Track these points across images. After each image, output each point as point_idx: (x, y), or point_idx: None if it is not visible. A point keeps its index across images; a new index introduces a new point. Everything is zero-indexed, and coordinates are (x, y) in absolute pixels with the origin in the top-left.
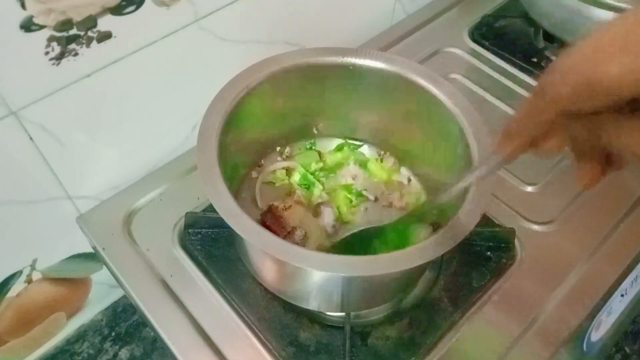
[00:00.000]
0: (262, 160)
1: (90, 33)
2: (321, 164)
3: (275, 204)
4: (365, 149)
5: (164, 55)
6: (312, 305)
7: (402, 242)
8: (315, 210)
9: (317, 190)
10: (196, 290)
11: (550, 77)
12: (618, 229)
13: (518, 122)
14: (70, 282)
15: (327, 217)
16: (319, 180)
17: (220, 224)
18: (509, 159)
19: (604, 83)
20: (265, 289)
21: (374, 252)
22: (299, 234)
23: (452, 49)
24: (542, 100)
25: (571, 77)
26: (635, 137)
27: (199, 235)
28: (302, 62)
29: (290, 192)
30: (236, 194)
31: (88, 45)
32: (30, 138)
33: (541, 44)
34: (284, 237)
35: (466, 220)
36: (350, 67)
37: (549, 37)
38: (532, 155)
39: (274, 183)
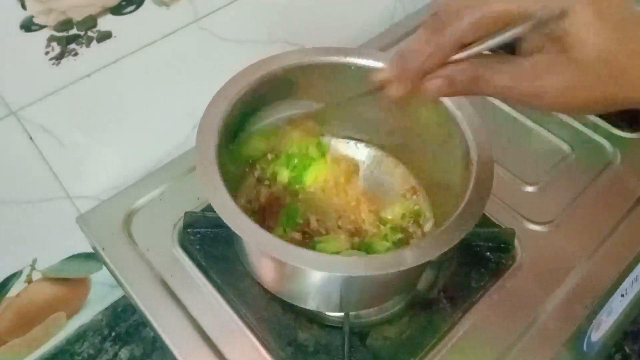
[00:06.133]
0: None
1: (90, 33)
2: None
3: None
4: (365, 150)
5: (164, 55)
6: (311, 305)
7: None
8: None
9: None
10: (196, 290)
11: (446, 14)
12: (618, 229)
13: (411, 57)
14: (70, 282)
15: None
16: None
17: (219, 224)
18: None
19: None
20: (264, 288)
21: None
22: None
23: None
24: (441, 35)
25: (469, 11)
26: (506, 80)
27: (198, 235)
28: (302, 61)
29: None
30: (235, 193)
31: (88, 45)
32: (30, 138)
33: None
34: None
35: (465, 220)
36: (352, 67)
37: None
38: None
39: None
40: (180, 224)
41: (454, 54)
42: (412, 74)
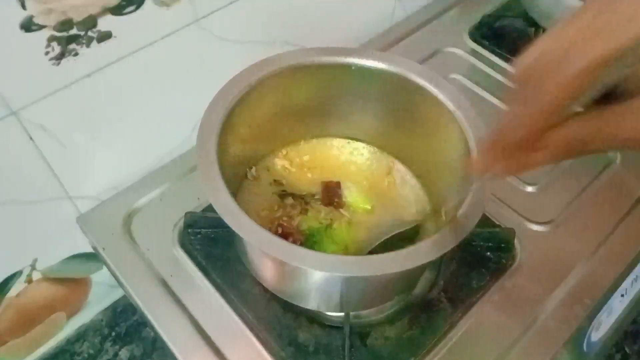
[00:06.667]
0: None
1: (90, 33)
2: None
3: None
4: (365, 150)
5: (164, 55)
6: (312, 305)
7: None
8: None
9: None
10: (196, 290)
11: (535, 73)
12: (618, 229)
13: (503, 137)
14: (70, 282)
15: None
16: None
17: (220, 224)
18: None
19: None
20: (265, 288)
21: None
22: None
23: (452, 49)
24: (531, 105)
25: (567, 65)
26: (629, 131)
27: (199, 235)
28: (302, 62)
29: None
30: (235, 193)
31: (88, 45)
32: (31, 138)
33: None
34: None
35: (466, 220)
36: (352, 67)
37: None
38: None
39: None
40: (181, 224)
41: (555, 119)
42: (508, 151)
